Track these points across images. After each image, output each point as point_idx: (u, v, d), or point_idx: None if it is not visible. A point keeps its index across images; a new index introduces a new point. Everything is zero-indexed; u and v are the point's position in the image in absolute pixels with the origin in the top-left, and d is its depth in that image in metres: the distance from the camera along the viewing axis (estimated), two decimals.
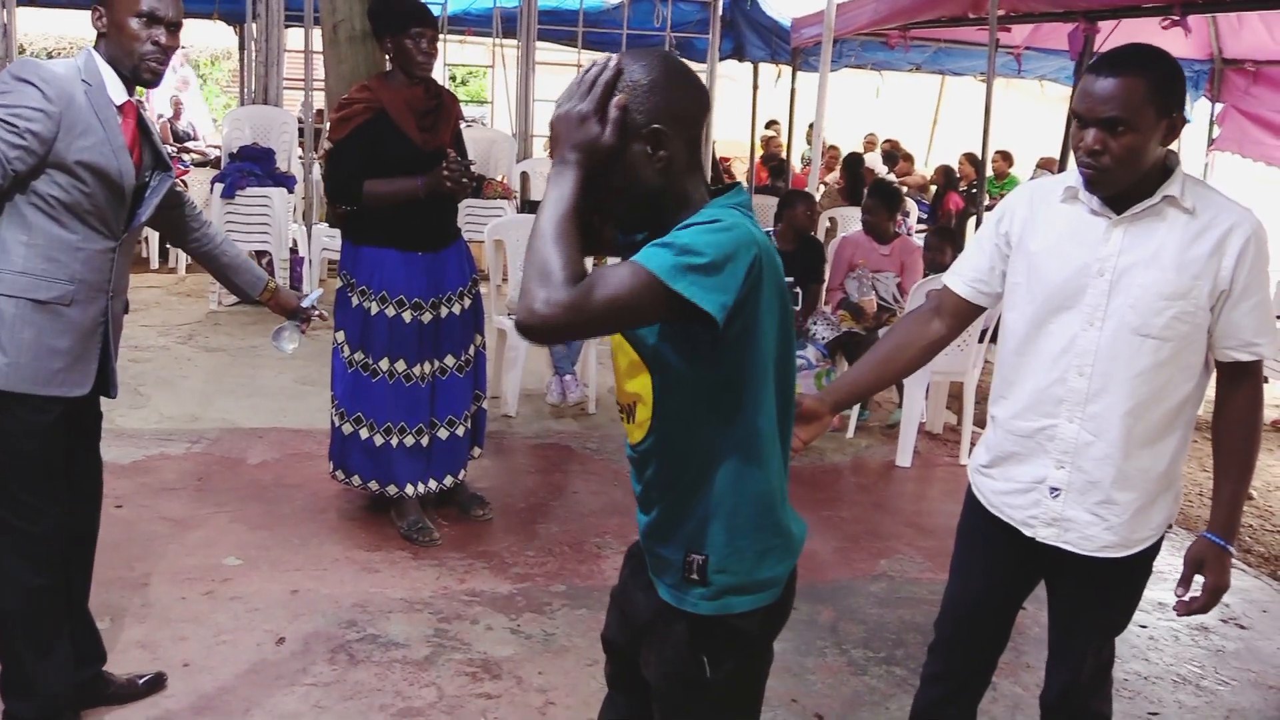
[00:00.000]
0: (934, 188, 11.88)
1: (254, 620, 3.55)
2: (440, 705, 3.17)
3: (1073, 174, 2.29)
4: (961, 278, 2.50)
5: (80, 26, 14.06)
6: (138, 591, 3.66)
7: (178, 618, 3.52)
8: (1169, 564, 3.02)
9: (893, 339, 2.57)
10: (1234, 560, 4.59)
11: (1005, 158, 12.24)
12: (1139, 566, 2.40)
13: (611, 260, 1.80)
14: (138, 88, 2.70)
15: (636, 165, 1.71)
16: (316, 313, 3.24)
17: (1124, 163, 2.15)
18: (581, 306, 1.57)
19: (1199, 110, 10.01)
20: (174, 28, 2.62)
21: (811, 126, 12.98)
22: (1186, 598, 2.36)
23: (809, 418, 2.34)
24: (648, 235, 1.75)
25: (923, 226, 10.10)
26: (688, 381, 1.76)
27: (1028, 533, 2.39)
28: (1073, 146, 2.24)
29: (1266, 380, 7.45)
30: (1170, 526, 2.43)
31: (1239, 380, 2.29)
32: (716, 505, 1.81)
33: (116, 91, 2.61)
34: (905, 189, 11.42)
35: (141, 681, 3.08)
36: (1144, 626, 3.98)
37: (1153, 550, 2.39)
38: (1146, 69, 2.14)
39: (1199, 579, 2.35)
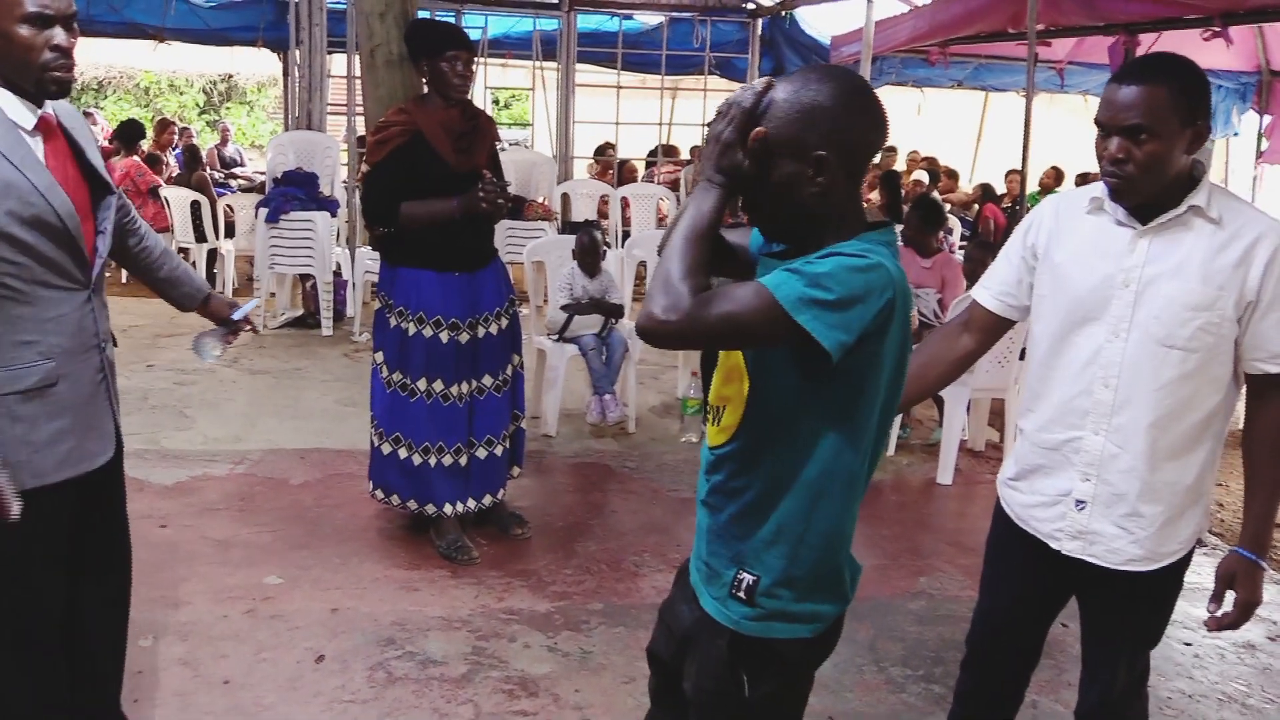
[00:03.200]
0: (976, 205, 11.80)
1: (294, 638, 3.59)
2: None
3: (1099, 185, 2.28)
4: (989, 291, 2.50)
5: (131, 55, 14.29)
6: (180, 609, 3.71)
7: (219, 635, 3.56)
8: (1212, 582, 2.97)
9: (922, 354, 2.56)
10: (1273, 575, 4.52)
11: (1057, 173, 12.15)
12: (1168, 580, 2.38)
13: None
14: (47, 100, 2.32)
15: (794, 185, 1.72)
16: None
17: (1148, 171, 2.14)
18: (699, 318, 1.61)
19: (1247, 123, 9.91)
20: (69, 22, 2.26)
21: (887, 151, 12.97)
22: (1219, 613, 2.34)
23: None
24: (789, 250, 1.78)
25: (966, 244, 10.03)
26: (786, 400, 1.75)
27: (1054, 546, 2.37)
28: (1097, 156, 2.23)
29: None
30: (1200, 541, 2.41)
31: (1269, 393, 2.26)
32: (781, 530, 1.81)
33: (21, 115, 2.26)
34: (949, 206, 11.38)
35: None
36: (1189, 644, 3.92)
37: (1182, 564, 2.37)
38: (1169, 77, 2.13)
39: (1231, 594, 2.32)
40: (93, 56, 15.92)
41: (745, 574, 1.83)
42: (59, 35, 2.22)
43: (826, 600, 1.87)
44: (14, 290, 2.24)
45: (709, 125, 1.77)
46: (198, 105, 20.76)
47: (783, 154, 1.70)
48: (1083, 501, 2.31)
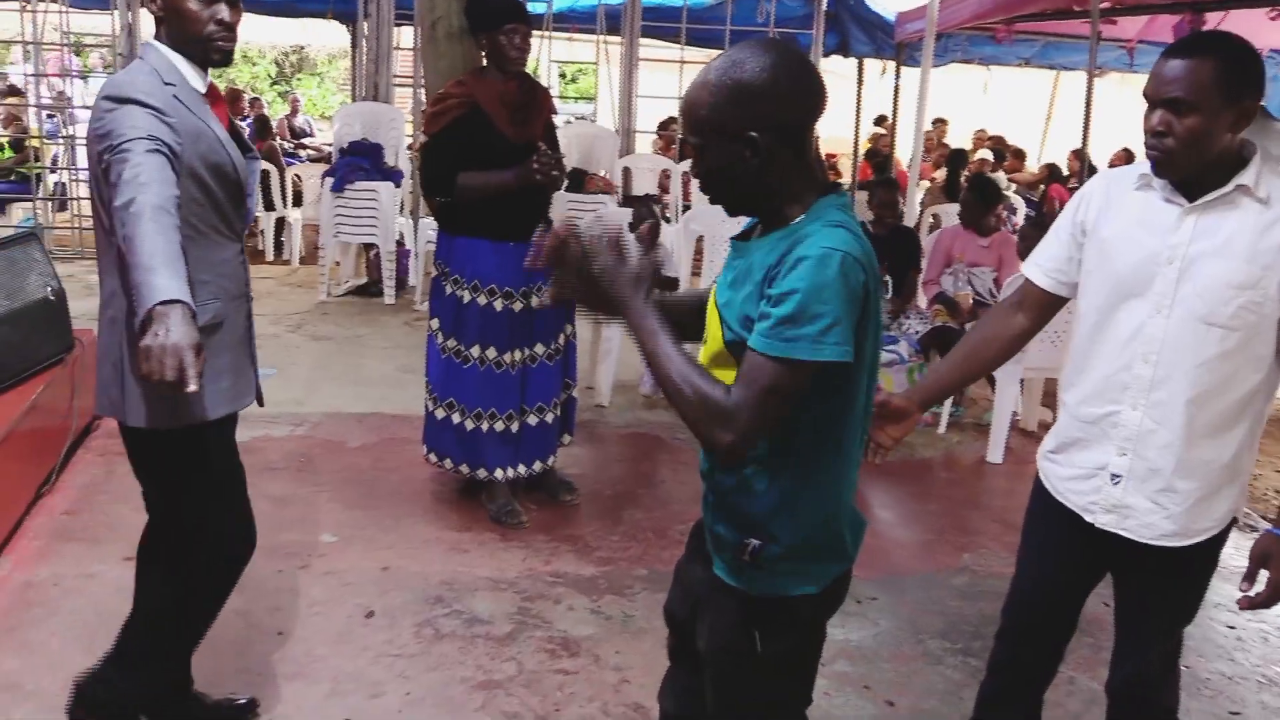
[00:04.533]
0: (1041, 185, 11.67)
1: (345, 594, 3.71)
2: (519, 679, 3.28)
3: (1148, 162, 2.29)
4: (1040, 268, 2.50)
5: None
6: None
7: (274, 589, 3.69)
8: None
9: (977, 334, 2.60)
10: None
11: (1127, 155, 11.97)
12: (1202, 557, 2.38)
13: None
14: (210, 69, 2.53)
15: (734, 166, 1.78)
16: None
17: (1189, 145, 2.14)
18: (759, 422, 1.72)
19: None
20: (235, 0, 2.47)
21: (936, 123, 12.91)
22: (1252, 593, 2.34)
23: (899, 415, 2.40)
24: (759, 224, 1.86)
25: (1025, 224, 9.94)
26: None
27: (1088, 518, 2.39)
28: (1143, 129, 2.23)
29: None
30: (1236, 520, 2.41)
31: None
32: (782, 500, 1.87)
33: (197, 81, 2.47)
34: (1014, 186, 11.26)
35: (237, 703, 3.02)
36: (1232, 627, 3.91)
37: (1216, 542, 2.37)
38: (1214, 51, 2.13)
39: (1264, 574, 2.33)
40: None
41: (751, 540, 1.89)
42: (223, 10, 2.43)
43: (831, 560, 1.94)
44: (195, 229, 2.42)
45: (580, 270, 1.83)
46: (269, 76, 21.06)
47: (718, 137, 1.76)
48: (1118, 475, 2.33)
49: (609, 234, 1.83)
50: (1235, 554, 2.41)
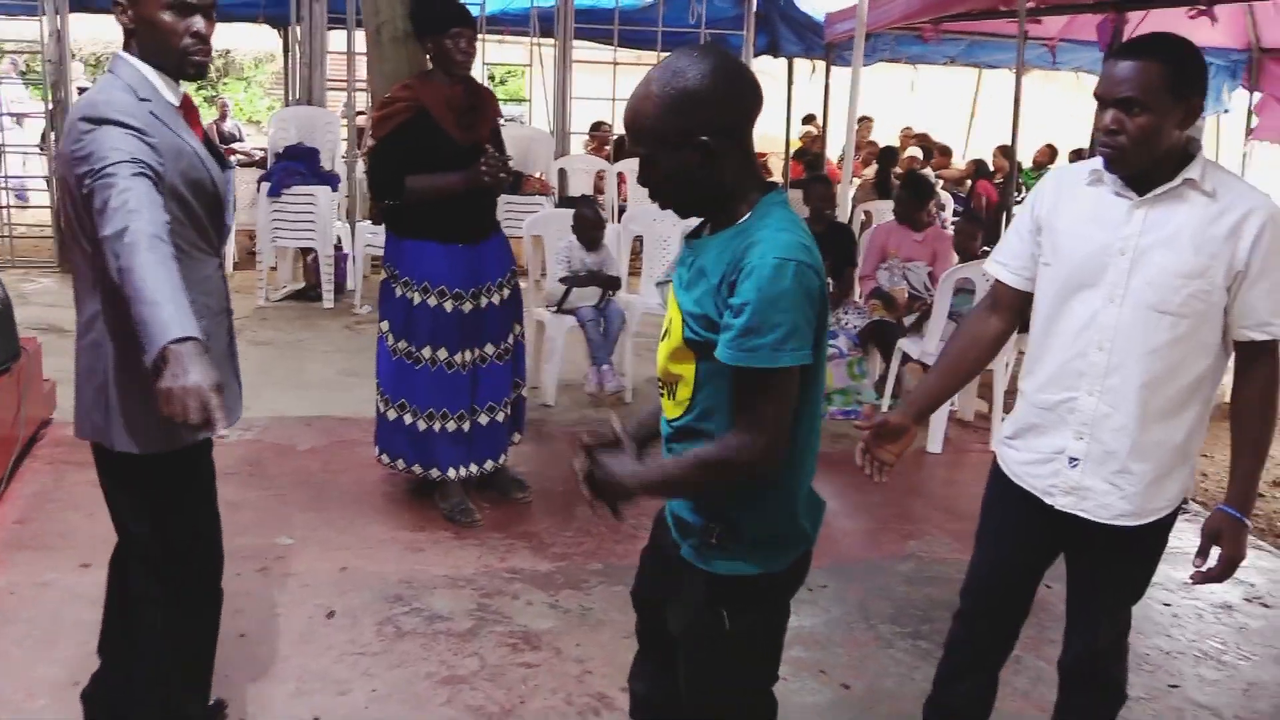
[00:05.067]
0: (968, 181, 11.92)
1: (305, 595, 3.73)
2: (483, 673, 3.32)
3: (1099, 159, 2.38)
4: (1006, 268, 2.59)
5: None
6: None
7: (234, 592, 3.63)
8: (1194, 544, 3.08)
9: (957, 342, 2.68)
10: (1263, 543, 4.68)
11: (1050, 150, 12.27)
12: (1154, 536, 2.49)
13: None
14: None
15: (687, 171, 1.86)
16: None
17: (1140, 142, 2.25)
18: (770, 428, 1.85)
19: (1237, 99, 10.02)
20: (209, 11, 2.39)
21: (861, 121, 13.08)
22: (1204, 568, 2.46)
23: (897, 433, 2.50)
24: (709, 227, 1.95)
25: (958, 219, 10.15)
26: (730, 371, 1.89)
27: (1047, 501, 2.49)
28: (1094, 128, 2.35)
29: None
30: (1186, 500, 2.53)
31: (1255, 360, 2.37)
32: (741, 488, 1.95)
33: (171, 94, 2.40)
34: (941, 182, 11.48)
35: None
36: (1168, 605, 4.07)
37: (1167, 521, 2.48)
38: (1163, 53, 2.25)
39: (1215, 550, 2.44)
40: (91, 32, 15.91)
41: (715, 524, 1.98)
42: (198, 22, 2.35)
43: (793, 543, 2.04)
44: (177, 248, 2.29)
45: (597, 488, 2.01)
46: (195, 81, 20.77)
47: (668, 146, 1.84)
48: (1076, 459, 2.43)
49: (581, 464, 2.03)
50: (1173, 537, 2.53)
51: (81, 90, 9.00)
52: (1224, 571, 2.42)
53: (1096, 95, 2.33)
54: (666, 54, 10.10)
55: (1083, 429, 2.42)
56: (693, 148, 1.83)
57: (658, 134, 1.85)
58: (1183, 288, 2.29)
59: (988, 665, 2.80)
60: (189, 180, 2.36)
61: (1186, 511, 2.72)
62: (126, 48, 2.39)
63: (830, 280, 6.22)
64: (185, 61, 2.37)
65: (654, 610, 2.20)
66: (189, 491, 2.60)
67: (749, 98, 1.88)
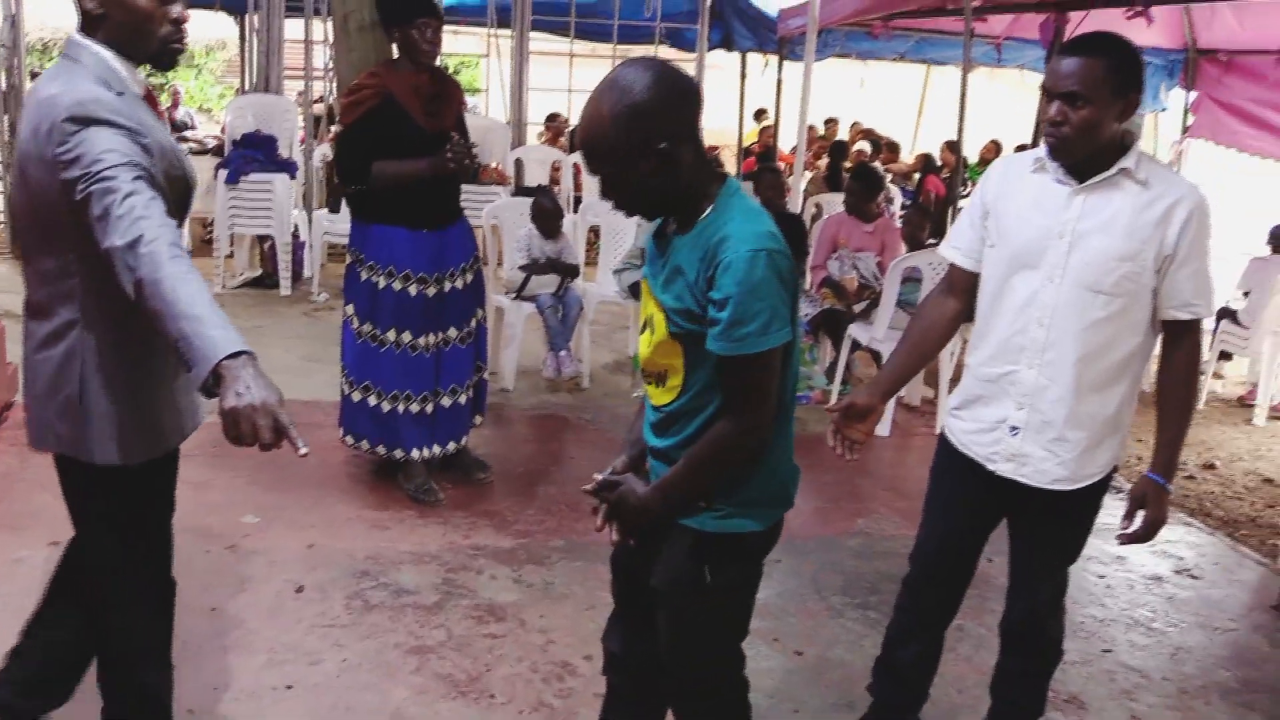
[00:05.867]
0: (916, 175, 12.15)
1: (273, 571, 3.82)
2: (450, 644, 3.44)
3: (1042, 148, 2.56)
4: (959, 251, 2.76)
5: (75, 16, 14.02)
6: None
7: (203, 569, 3.78)
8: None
9: (917, 324, 2.85)
10: (1193, 521, 4.90)
11: (996, 146, 12.53)
12: (1088, 500, 2.68)
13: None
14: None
15: (651, 178, 2.01)
16: None
17: (1082, 133, 2.42)
18: (758, 407, 2.05)
19: (1174, 99, 10.31)
20: None
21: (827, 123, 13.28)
22: (1130, 530, 2.64)
23: (865, 413, 2.68)
24: (676, 225, 2.09)
25: (906, 211, 10.35)
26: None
27: (990, 467, 2.66)
28: (1039, 118, 2.52)
29: (1230, 357, 7.70)
30: (1116, 469, 2.71)
31: (1179, 337, 2.57)
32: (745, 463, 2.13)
33: (136, 84, 2.23)
34: (890, 176, 11.71)
35: None
36: (1102, 577, 4.27)
37: (1100, 487, 2.67)
38: (1105, 51, 2.43)
39: (1141, 513, 2.63)
40: (39, 18, 15.71)
41: None
42: (177, 8, 2.22)
43: (775, 505, 2.21)
44: None
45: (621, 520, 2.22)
46: (145, 68, 20.60)
47: (627, 160, 1.98)
48: (1016, 428, 2.61)
49: (600, 508, 2.24)
50: (1103, 513, 2.71)
51: (34, 76, 8.95)
52: (1148, 532, 2.61)
53: (1043, 88, 2.52)
54: (622, 46, 10.15)
55: (1023, 399, 2.60)
56: (652, 156, 1.97)
57: (617, 152, 1.98)
58: (1116, 269, 2.46)
59: (933, 628, 2.97)
60: (170, 177, 2.22)
61: (1119, 490, 2.89)
62: (87, 32, 2.19)
63: None
64: (165, 50, 2.23)
65: (631, 571, 2.34)
66: (163, 497, 2.53)
67: (692, 99, 2.02)
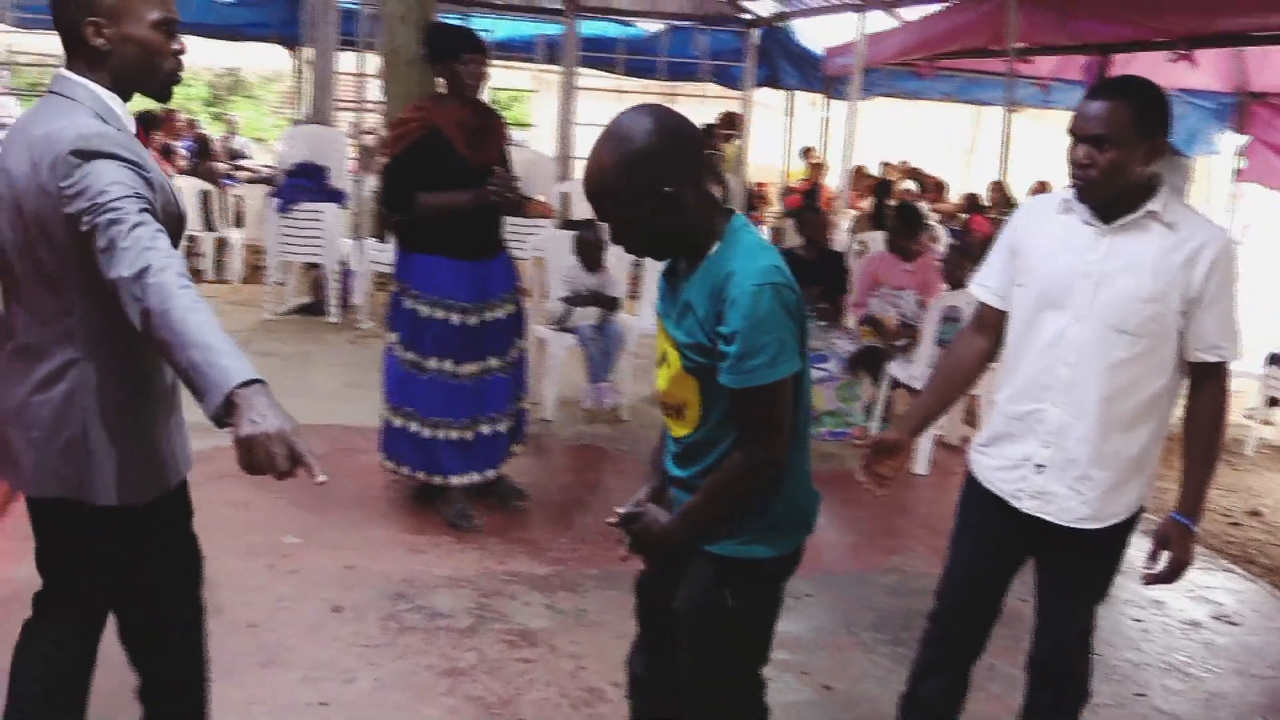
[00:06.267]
0: (963, 215, 12.12)
1: (312, 590, 3.89)
2: (481, 666, 3.49)
3: (1070, 190, 2.59)
4: (988, 290, 2.79)
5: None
6: (207, 563, 3.99)
7: (243, 586, 3.86)
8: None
9: (947, 362, 2.88)
10: (1235, 568, 4.85)
11: (1042, 187, 12.49)
12: (1113, 539, 2.68)
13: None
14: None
15: (658, 219, 2.08)
16: None
17: (1108, 175, 2.45)
18: (772, 437, 2.11)
19: (1225, 143, 10.25)
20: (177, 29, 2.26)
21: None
22: (1154, 570, 2.64)
23: (894, 448, 2.70)
24: (685, 263, 2.15)
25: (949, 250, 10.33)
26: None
27: (1014, 504, 2.67)
28: (1067, 160, 2.54)
29: (1271, 403, 7.56)
30: (1143, 509, 2.71)
31: (1205, 379, 2.57)
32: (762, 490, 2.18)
33: (129, 120, 2.23)
34: (937, 216, 11.70)
35: None
36: (1138, 620, 4.24)
37: (1126, 526, 2.66)
38: (1130, 95, 2.46)
39: (1165, 555, 2.62)
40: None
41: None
42: (179, 42, 2.25)
43: (796, 530, 2.25)
44: None
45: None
46: (203, 99, 21.02)
47: (634, 205, 2.05)
48: (1041, 465, 2.62)
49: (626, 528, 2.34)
50: (1140, 555, 2.71)
51: None
52: (1172, 573, 2.60)
53: (1070, 131, 2.52)
54: (670, 84, 10.23)
55: (1048, 438, 2.61)
56: (658, 199, 2.03)
57: (623, 197, 2.05)
58: (1141, 310, 2.48)
59: (959, 663, 2.97)
60: (166, 214, 2.16)
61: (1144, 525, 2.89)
62: (83, 69, 2.18)
63: (823, 304, 6.41)
64: (169, 81, 2.26)
65: (655, 595, 2.38)
66: (177, 532, 2.47)
67: (691, 142, 2.10)
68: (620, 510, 2.35)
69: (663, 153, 2.02)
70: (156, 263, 1.91)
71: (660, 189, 2.02)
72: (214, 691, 3.12)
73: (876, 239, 8.97)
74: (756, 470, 2.11)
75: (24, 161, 2.09)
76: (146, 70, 2.20)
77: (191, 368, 1.84)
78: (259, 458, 1.79)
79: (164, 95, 2.29)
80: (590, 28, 10.43)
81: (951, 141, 15.76)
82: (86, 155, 2.02)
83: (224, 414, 1.81)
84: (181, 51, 2.25)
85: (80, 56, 2.16)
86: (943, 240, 10.52)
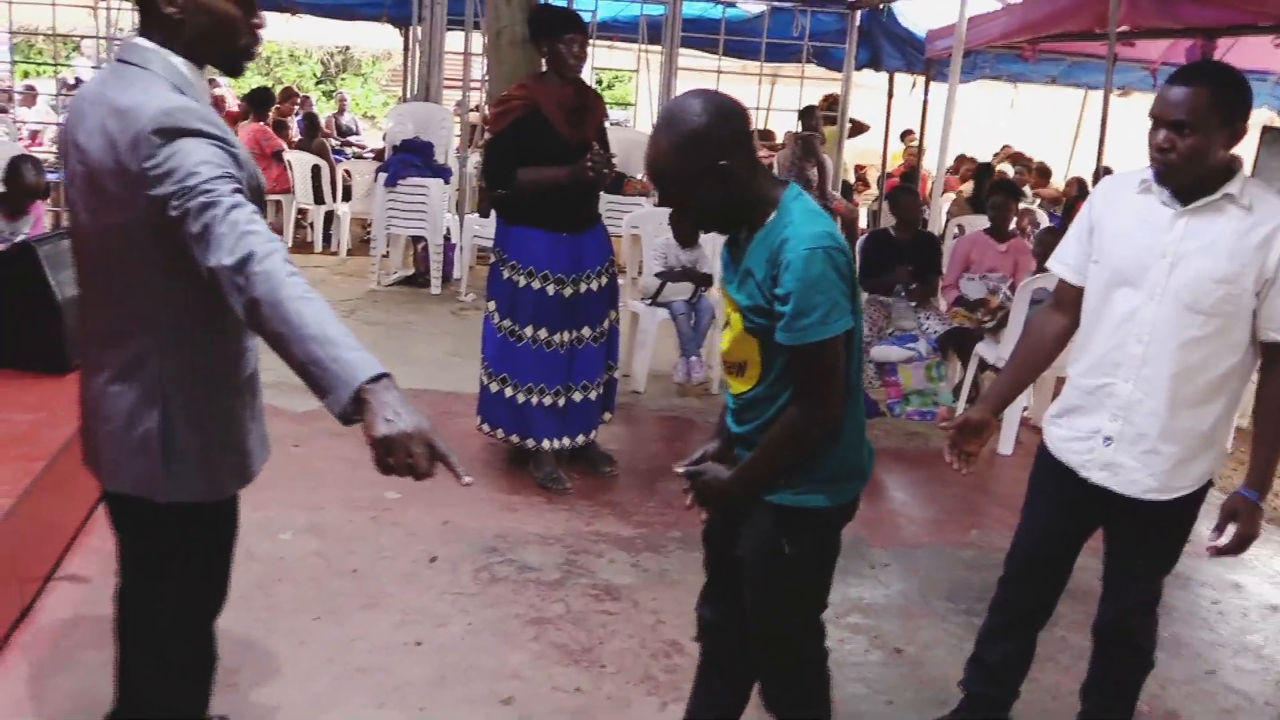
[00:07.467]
0: (1064, 200, 11.99)
1: (410, 542, 4.13)
2: (567, 617, 3.68)
3: (1148, 170, 2.64)
4: (1067, 267, 2.86)
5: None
6: (314, 512, 4.27)
7: (347, 535, 4.11)
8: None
9: (1026, 340, 2.98)
10: None
11: None
12: (1181, 511, 2.76)
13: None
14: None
15: (717, 195, 2.24)
16: None
17: (1189, 160, 2.51)
18: (827, 395, 2.25)
19: None
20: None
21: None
22: (1220, 543, 2.71)
23: (980, 428, 2.82)
24: (745, 233, 2.30)
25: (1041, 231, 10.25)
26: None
27: (1083, 474, 2.77)
28: (1148, 144, 2.60)
29: None
30: (1211, 482, 2.79)
31: (1277, 359, 2.64)
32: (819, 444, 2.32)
33: (205, 91, 2.14)
34: (1039, 201, 11.60)
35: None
36: (1215, 603, 4.27)
37: (1193, 499, 2.74)
38: (1211, 81, 2.52)
39: (1231, 527, 2.69)
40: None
41: None
42: (257, 15, 2.16)
43: (853, 479, 2.41)
44: None
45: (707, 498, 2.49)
46: (315, 75, 21.62)
47: (694, 182, 2.21)
48: (1110, 438, 2.71)
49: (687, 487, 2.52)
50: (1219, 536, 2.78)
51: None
52: (1238, 546, 2.68)
53: (1152, 115, 2.58)
54: (770, 65, 10.22)
55: (1118, 411, 2.70)
56: (715, 174, 2.19)
57: (683, 176, 2.22)
58: (1215, 290, 2.55)
59: (1025, 629, 3.07)
60: (251, 188, 2.05)
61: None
62: (150, 36, 2.06)
63: (915, 285, 6.47)
64: (242, 58, 2.17)
65: (721, 544, 2.55)
66: (230, 528, 2.40)
67: (738, 117, 2.26)
68: (679, 468, 2.52)
69: (713, 129, 2.18)
70: (260, 249, 1.79)
71: (715, 164, 2.18)
72: (319, 630, 3.39)
73: (974, 222, 8.97)
74: (811, 424, 2.25)
75: (98, 136, 1.96)
76: (220, 43, 2.10)
77: (311, 362, 1.73)
78: (399, 459, 1.71)
79: (236, 70, 2.20)
80: (692, 8, 10.51)
81: (1057, 126, 15.49)
82: (171, 133, 1.90)
83: (352, 411, 1.71)
84: (260, 26, 2.15)
85: (153, 24, 2.05)
86: (1044, 224, 10.45)
